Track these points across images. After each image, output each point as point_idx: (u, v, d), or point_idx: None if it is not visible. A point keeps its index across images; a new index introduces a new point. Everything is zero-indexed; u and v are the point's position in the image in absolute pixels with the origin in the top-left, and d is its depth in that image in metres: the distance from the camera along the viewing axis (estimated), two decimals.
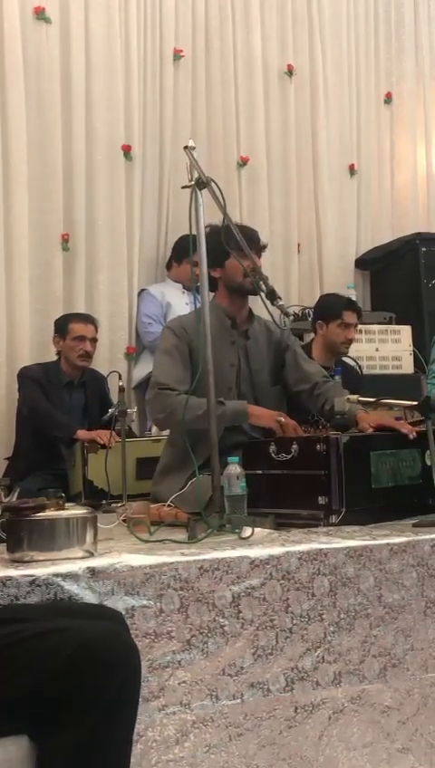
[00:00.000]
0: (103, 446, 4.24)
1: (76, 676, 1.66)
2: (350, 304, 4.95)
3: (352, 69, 6.68)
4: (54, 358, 4.96)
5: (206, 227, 3.06)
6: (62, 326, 4.91)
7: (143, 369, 5.46)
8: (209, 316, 3.02)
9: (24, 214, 5.23)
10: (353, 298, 5.46)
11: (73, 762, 1.65)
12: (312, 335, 5.00)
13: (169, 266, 5.55)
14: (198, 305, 2.97)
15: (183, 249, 5.14)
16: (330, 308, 4.91)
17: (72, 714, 1.65)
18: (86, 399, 4.93)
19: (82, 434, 4.50)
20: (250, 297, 3.54)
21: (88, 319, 4.99)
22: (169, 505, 3.16)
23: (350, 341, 4.82)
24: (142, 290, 5.55)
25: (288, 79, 6.32)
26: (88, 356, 4.89)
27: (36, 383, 4.80)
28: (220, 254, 3.32)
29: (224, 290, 3.53)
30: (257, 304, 3.49)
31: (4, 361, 5.12)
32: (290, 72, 6.32)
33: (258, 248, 3.49)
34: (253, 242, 3.42)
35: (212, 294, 3.58)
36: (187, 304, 5.12)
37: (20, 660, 1.69)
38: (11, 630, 1.76)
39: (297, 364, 3.57)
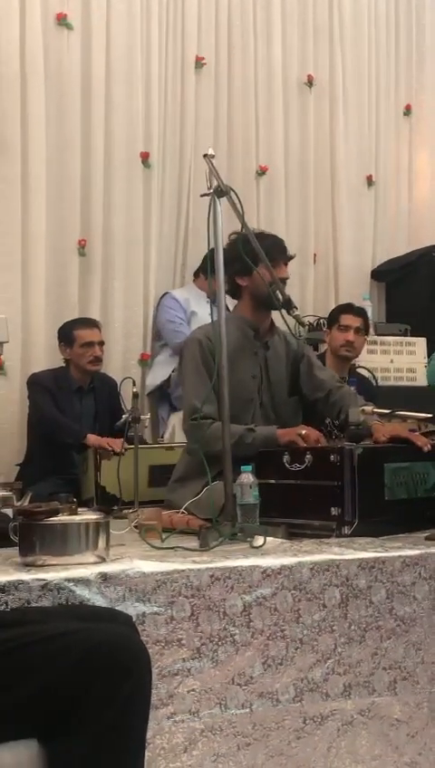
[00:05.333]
0: (115, 453, 4.24)
1: (86, 679, 1.66)
2: (347, 307, 5.03)
3: (372, 80, 6.68)
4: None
5: (232, 234, 3.05)
6: (67, 334, 4.90)
7: (157, 375, 5.46)
8: (232, 326, 2.99)
9: (41, 219, 5.24)
10: (369, 309, 5.45)
11: (85, 765, 1.64)
12: (326, 345, 5.02)
13: (196, 274, 5.50)
14: (222, 315, 2.97)
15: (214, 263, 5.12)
16: (332, 314, 5.07)
17: (82, 717, 1.65)
18: (96, 405, 4.93)
19: (92, 439, 4.50)
20: None
21: (92, 323, 4.99)
22: (181, 512, 3.16)
23: (348, 343, 4.84)
24: (166, 293, 5.53)
25: (308, 89, 6.33)
26: (98, 360, 4.90)
27: (46, 390, 4.80)
28: (248, 263, 3.26)
29: (249, 299, 3.48)
30: (275, 313, 3.49)
31: (19, 366, 5.14)
32: (310, 82, 6.33)
33: (286, 258, 3.47)
34: (281, 252, 3.41)
35: (235, 303, 3.58)
36: (209, 314, 5.10)
37: (30, 663, 1.69)
38: (21, 632, 1.75)
39: (311, 373, 3.56)
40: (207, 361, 3.32)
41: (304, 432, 3.13)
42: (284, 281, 3.36)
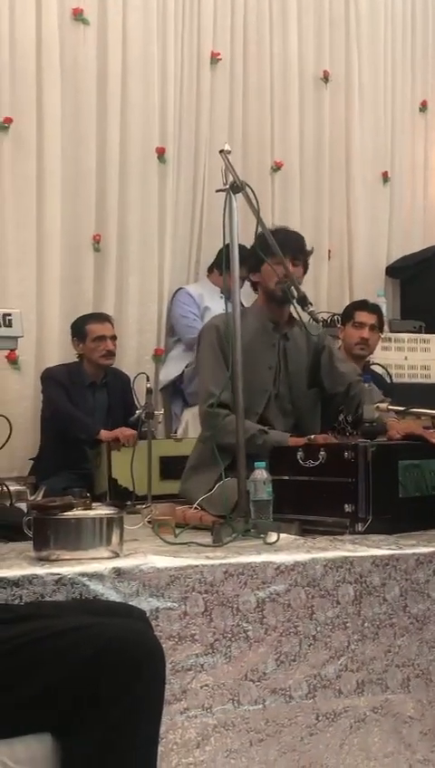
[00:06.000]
0: (125, 445, 4.26)
1: (99, 674, 1.66)
2: (362, 305, 5.01)
3: (388, 76, 6.64)
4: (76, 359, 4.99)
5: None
6: (79, 329, 4.92)
7: (171, 371, 5.45)
8: (251, 317, 2.99)
9: (56, 214, 5.26)
10: (383, 306, 5.44)
11: (97, 760, 1.64)
12: (340, 342, 5.00)
13: (210, 269, 5.50)
14: (237, 310, 2.98)
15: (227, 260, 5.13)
16: (346, 311, 5.04)
17: (94, 712, 1.65)
18: (109, 399, 4.95)
19: (104, 434, 4.52)
20: None
21: (104, 317, 5.00)
22: (194, 508, 3.16)
23: (363, 341, 4.82)
24: (179, 288, 5.53)
25: (323, 85, 6.31)
26: (111, 354, 4.91)
27: (59, 385, 4.82)
28: (258, 259, 3.32)
29: (262, 294, 3.53)
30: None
31: (33, 361, 5.15)
32: (326, 78, 6.31)
33: (297, 254, 3.45)
34: (289, 247, 3.39)
35: (250, 299, 3.59)
36: (223, 310, 5.09)
37: (42, 657, 1.69)
38: (34, 627, 1.75)
39: (332, 366, 3.55)
40: (223, 347, 3.34)
41: (312, 437, 3.14)
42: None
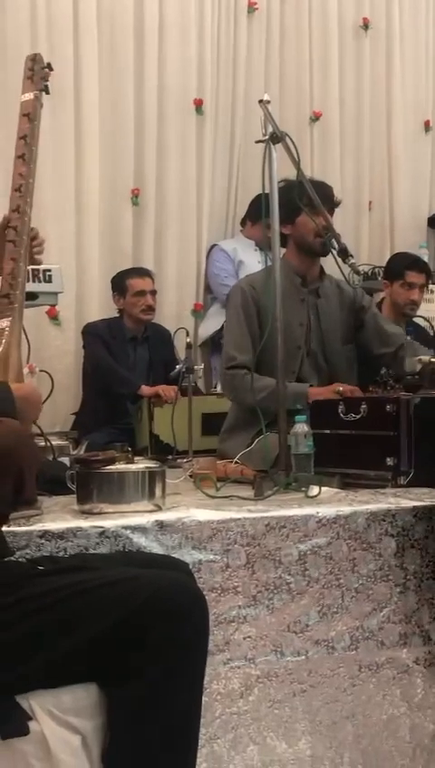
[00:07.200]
0: (168, 402, 4.27)
1: (146, 625, 1.67)
2: (414, 264, 4.82)
3: (430, 23, 6.51)
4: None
5: (280, 182, 3.02)
6: (119, 284, 4.94)
7: (210, 325, 5.45)
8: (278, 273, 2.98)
9: (94, 168, 5.25)
10: (425, 258, 5.36)
11: (144, 709, 1.66)
12: (382, 295, 4.94)
13: (243, 222, 5.48)
14: (269, 264, 2.95)
15: (260, 209, 5.10)
16: (394, 267, 4.85)
17: (141, 662, 1.67)
18: (150, 354, 4.96)
19: (145, 390, 4.54)
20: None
21: (144, 272, 5.01)
22: (235, 462, 3.16)
23: (413, 303, 4.71)
24: (214, 245, 5.52)
25: (363, 33, 6.20)
26: (151, 309, 4.93)
27: (100, 339, 4.85)
28: (292, 210, 3.27)
29: (294, 247, 3.47)
30: (329, 262, 3.44)
31: (73, 317, 5.16)
32: (365, 25, 6.20)
33: (331, 205, 3.43)
34: (326, 199, 3.36)
35: (282, 251, 3.54)
36: (259, 263, 5.08)
37: (90, 608, 1.70)
38: (81, 578, 1.77)
39: (378, 326, 3.51)
40: (248, 309, 3.37)
41: (340, 389, 3.12)
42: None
